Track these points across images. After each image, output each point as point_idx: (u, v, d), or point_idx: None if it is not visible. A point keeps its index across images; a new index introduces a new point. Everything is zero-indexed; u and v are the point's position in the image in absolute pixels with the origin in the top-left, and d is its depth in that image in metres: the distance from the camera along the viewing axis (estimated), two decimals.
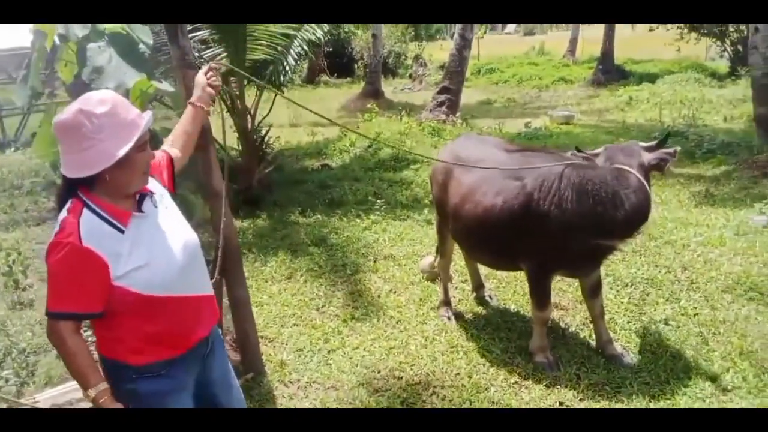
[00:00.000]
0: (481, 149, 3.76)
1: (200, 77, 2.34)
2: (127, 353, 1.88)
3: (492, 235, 3.52)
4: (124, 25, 3.18)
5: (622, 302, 4.12)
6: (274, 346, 3.91)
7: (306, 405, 3.33)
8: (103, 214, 1.79)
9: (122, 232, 1.80)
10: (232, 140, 7.83)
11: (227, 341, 3.52)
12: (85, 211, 1.77)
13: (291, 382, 3.53)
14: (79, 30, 3.00)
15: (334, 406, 3.29)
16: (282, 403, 3.34)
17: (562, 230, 3.24)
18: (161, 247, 1.89)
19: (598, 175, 3.22)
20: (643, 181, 3.13)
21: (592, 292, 3.60)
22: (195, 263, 2.00)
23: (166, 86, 3.47)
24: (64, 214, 1.78)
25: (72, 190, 1.81)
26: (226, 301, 3.46)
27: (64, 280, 1.75)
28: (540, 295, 3.55)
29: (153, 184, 2.01)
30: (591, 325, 3.87)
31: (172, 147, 2.24)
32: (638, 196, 3.13)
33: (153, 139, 2.55)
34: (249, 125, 7.06)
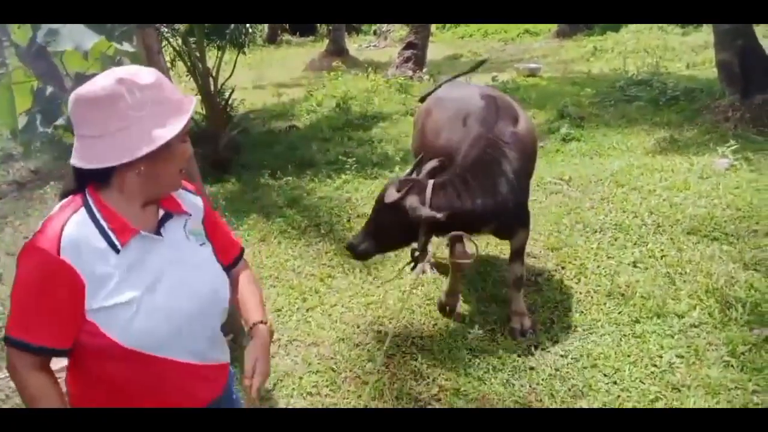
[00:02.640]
0: (462, 90, 3.72)
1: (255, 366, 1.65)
2: None
3: None
4: None
5: (591, 248, 4.22)
6: None
7: (287, 362, 3.37)
8: (102, 223, 1.39)
9: (117, 251, 1.39)
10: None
11: None
12: (81, 212, 1.39)
13: (272, 342, 3.55)
14: None
15: (316, 362, 3.34)
16: None
17: None
18: (165, 290, 1.44)
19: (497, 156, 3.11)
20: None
21: (511, 257, 3.49)
22: (207, 321, 1.56)
23: (126, 47, 3.37)
24: (55, 210, 1.42)
25: (81, 187, 1.44)
26: None
27: (29, 298, 1.37)
28: None
29: (194, 209, 1.60)
30: (563, 271, 3.98)
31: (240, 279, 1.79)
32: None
33: None
34: (212, 88, 6.92)
